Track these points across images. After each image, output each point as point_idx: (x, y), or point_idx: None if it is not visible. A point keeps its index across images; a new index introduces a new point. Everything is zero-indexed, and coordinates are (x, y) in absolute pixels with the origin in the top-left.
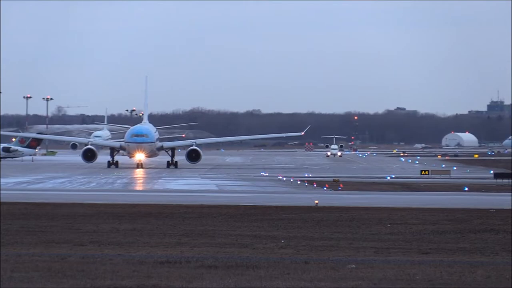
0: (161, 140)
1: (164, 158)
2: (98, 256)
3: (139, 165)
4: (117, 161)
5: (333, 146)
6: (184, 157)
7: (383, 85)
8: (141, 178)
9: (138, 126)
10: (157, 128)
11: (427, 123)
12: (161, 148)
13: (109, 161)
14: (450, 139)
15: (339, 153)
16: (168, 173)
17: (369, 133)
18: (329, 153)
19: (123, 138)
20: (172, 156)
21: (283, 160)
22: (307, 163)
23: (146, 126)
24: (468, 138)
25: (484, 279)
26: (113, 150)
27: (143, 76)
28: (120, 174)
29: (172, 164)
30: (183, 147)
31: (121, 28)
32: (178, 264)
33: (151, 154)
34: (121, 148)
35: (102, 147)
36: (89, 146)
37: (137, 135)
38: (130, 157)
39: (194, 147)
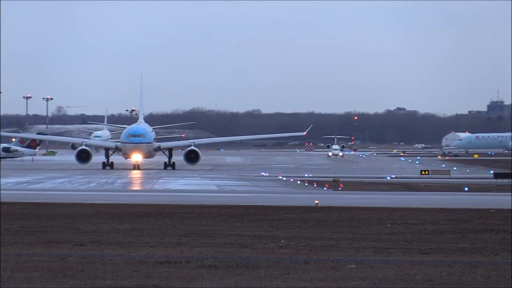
0: (160, 140)
1: (162, 159)
2: (98, 256)
3: (136, 166)
4: (112, 162)
5: (334, 146)
6: (182, 158)
7: (383, 85)
8: (140, 179)
9: (134, 126)
10: (154, 128)
11: (427, 123)
12: (158, 149)
13: (104, 162)
14: (450, 139)
15: (340, 153)
16: (167, 174)
17: (369, 133)
18: (330, 153)
19: None
20: (170, 157)
21: (283, 160)
22: (307, 163)
23: (142, 125)
24: None
25: (484, 279)
26: (108, 151)
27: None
28: (120, 174)
29: (169, 165)
30: (182, 147)
31: (121, 28)
32: (178, 264)
33: (148, 154)
34: (117, 148)
35: (97, 147)
36: (83, 147)
37: (133, 135)
38: (126, 158)
39: (192, 147)
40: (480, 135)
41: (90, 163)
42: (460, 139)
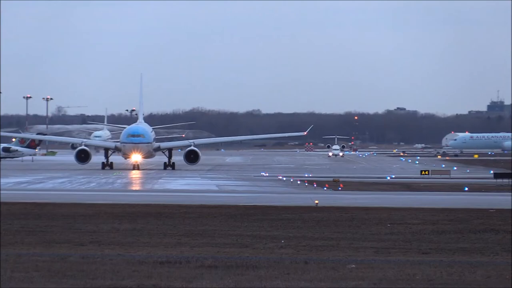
0: (160, 140)
1: (162, 159)
2: (98, 256)
3: (135, 167)
4: (111, 163)
5: (334, 147)
6: (182, 158)
7: (383, 85)
8: (140, 179)
9: (134, 126)
10: (154, 128)
11: (427, 123)
12: (158, 149)
13: (103, 163)
14: (450, 139)
15: (341, 154)
16: (167, 174)
17: (369, 133)
18: (330, 154)
19: None
20: (169, 157)
21: (283, 160)
22: (307, 163)
23: (142, 125)
24: None
25: (484, 279)
26: (107, 151)
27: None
28: (120, 174)
29: (169, 166)
30: (181, 147)
31: (121, 28)
32: (178, 264)
33: (147, 155)
34: (117, 149)
35: (97, 147)
36: (82, 147)
37: (133, 135)
38: (126, 158)
39: (192, 147)
40: (474, 135)
41: (90, 163)
42: (455, 139)
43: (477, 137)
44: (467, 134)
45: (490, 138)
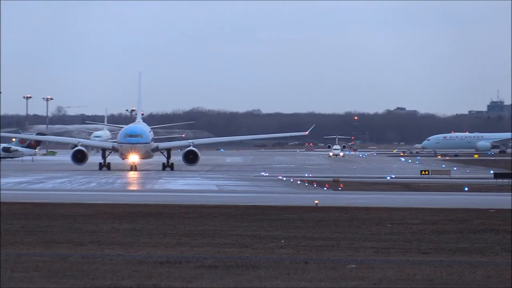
0: (160, 140)
1: (161, 159)
2: (98, 256)
3: (133, 167)
4: (109, 163)
5: (335, 147)
6: (181, 159)
7: (383, 85)
8: (140, 179)
9: (131, 125)
10: (153, 128)
11: (427, 123)
12: (156, 149)
13: (100, 163)
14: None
15: (341, 154)
16: (167, 174)
17: (369, 133)
18: (331, 154)
19: None
20: (168, 157)
21: (283, 160)
22: (307, 163)
23: (140, 125)
24: None
25: (484, 279)
26: (105, 151)
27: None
28: (120, 174)
29: (167, 166)
30: (180, 147)
31: (121, 28)
32: (178, 264)
33: (145, 155)
34: (114, 149)
35: (93, 148)
36: (79, 147)
37: (130, 135)
38: (123, 159)
39: (191, 148)
40: (448, 135)
41: (87, 164)
42: (428, 139)
43: (451, 137)
44: (440, 134)
45: (464, 138)
